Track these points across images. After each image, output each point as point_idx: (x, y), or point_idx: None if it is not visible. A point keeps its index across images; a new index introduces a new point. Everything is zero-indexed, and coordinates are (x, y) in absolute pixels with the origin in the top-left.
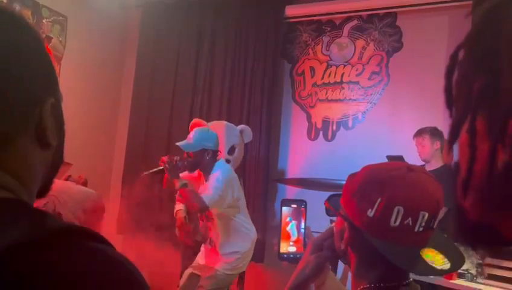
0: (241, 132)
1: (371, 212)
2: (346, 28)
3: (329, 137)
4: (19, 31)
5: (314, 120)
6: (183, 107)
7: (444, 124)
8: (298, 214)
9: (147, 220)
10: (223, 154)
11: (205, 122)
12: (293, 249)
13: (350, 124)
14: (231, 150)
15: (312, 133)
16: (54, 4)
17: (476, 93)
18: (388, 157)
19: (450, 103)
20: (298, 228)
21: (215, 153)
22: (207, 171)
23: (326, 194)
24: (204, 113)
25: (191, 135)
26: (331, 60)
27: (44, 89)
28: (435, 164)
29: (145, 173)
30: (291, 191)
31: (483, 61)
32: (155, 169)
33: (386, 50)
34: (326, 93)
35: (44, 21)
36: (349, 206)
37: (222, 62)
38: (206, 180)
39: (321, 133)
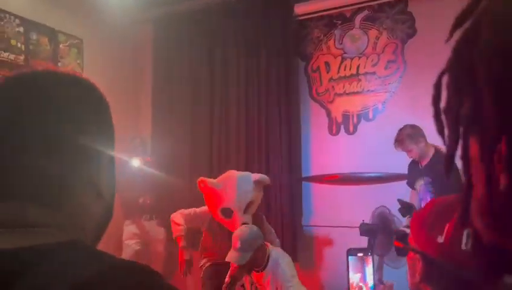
0: (256, 182)
1: (441, 239)
2: (358, 20)
3: (351, 130)
4: (90, 95)
5: (334, 115)
6: (203, 117)
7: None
8: (362, 264)
9: None
10: (237, 217)
11: (212, 181)
12: None
13: (371, 115)
14: (247, 208)
15: (333, 128)
16: (68, 28)
17: (464, 118)
18: (399, 201)
19: (441, 130)
20: (363, 279)
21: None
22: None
23: (353, 189)
24: (223, 122)
25: (237, 244)
26: (345, 53)
27: (104, 143)
28: (427, 156)
29: None
30: (317, 189)
31: (465, 85)
32: None
33: (399, 37)
34: (344, 87)
35: (61, 46)
36: (419, 239)
37: (235, 68)
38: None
39: (342, 127)
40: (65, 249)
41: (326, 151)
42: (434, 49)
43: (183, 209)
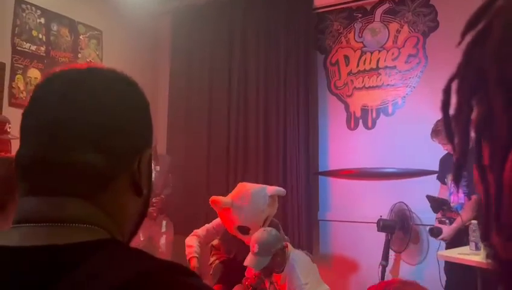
0: (272, 197)
1: None
2: (378, 13)
3: (370, 125)
4: (133, 92)
5: (353, 109)
6: (221, 109)
7: None
8: None
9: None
10: (255, 231)
11: (226, 201)
12: None
13: (390, 110)
14: (264, 223)
15: (351, 122)
16: (88, 20)
17: (475, 125)
18: (428, 198)
19: (450, 137)
20: None
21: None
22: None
23: (370, 184)
24: (241, 114)
25: (255, 248)
26: (365, 46)
27: (145, 141)
28: None
29: None
30: (335, 184)
31: (476, 90)
32: None
33: (421, 31)
34: (363, 81)
35: (81, 37)
36: None
37: (255, 60)
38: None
39: (361, 121)
40: (106, 248)
41: (344, 145)
42: (456, 43)
43: (197, 230)
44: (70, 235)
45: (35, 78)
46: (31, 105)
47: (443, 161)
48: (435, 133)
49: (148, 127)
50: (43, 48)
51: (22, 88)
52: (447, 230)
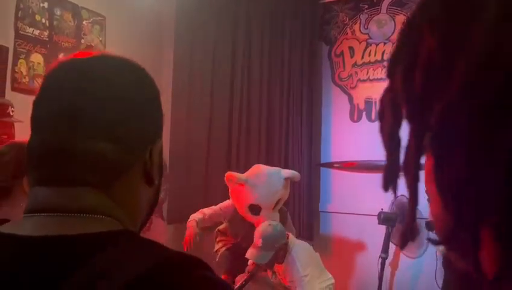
0: (286, 179)
1: None
2: (385, 4)
3: (373, 117)
4: (145, 81)
5: (356, 101)
6: (223, 98)
7: None
8: None
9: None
10: (265, 213)
11: (241, 177)
12: None
13: None
14: (276, 205)
15: (355, 114)
16: (92, 5)
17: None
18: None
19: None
20: None
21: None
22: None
23: (372, 177)
24: (244, 101)
25: (259, 242)
26: (370, 38)
27: (157, 131)
28: None
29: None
30: (337, 176)
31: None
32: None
33: None
34: (368, 73)
35: (84, 22)
36: None
37: (259, 48)
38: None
39: (364, 114)
40: (120, 240)
41: (347, 137)
42: None
43: (203, 209)
44: (83, 226)
45: (38, 63)
46: (42, 94)
47: None
48: None
49: (159, 117)
50: (46, 33)
51: (24, 73)
52: None
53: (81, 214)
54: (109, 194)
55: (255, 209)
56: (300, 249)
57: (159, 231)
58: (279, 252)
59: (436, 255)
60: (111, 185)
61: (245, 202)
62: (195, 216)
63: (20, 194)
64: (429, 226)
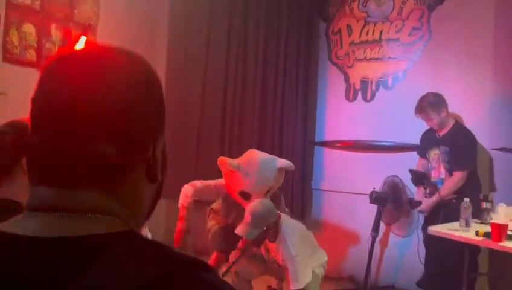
0: (280, 170)
1: None
2: None
3: (369, 98)
4: (146, 76)
5: (353, 80)
6: (218, 74)
7: (490, 80)
8: None
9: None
10: (257, 199)
11: (233, 163)
12: None
13: (390, 83)
14: (267, 193)
15: (350, 94)
16: None
17: None
18: (411, 171)
19: None
20: None
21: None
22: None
23: (365, 156)
24: (239, 80)
25: (249, 218)
26: (368, 16)
27: (159, 127)
28: (447, 126)
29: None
30: (330, 155)
31: None
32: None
33: (427, 4)
34: (365, 52)
35: None
36: None
37: (255, 24)
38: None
39: (360, 93)
40: (123, 243)
41: (341, 117)
42: (461, 19)
43: (197, 181)
44: (86, 227)
45: (29, 33)
46: (40, 91)
47: (424, 136)
48: (419, 109)
49: (161, 112)
50: (38, 2)
51: (16, 43)
52: (426, 203)
53: (84, 215)
54: (112, 193)
55: (246, 195)
56: (291, 229)
57: None
58: (269, 231)
59: (418, 235)
60: (113, 184)
61: (236, 187)
62: (187, 195)
63: (20, 173)
64: (412, 204)
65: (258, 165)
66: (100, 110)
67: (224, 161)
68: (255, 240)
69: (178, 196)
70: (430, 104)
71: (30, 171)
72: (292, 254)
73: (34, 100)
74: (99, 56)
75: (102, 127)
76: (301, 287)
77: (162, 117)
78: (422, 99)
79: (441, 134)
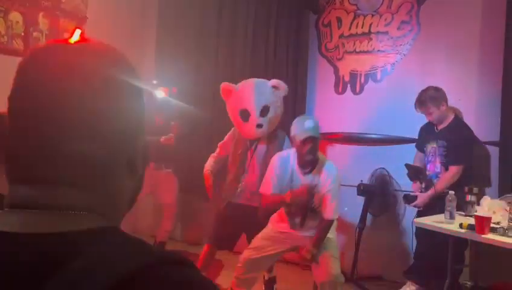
0: (274, 88)
1: None
2: None
3: (358, 90)
4: (128, 76)
5: (342, 73)
6: (207, 62)
7: (477, 74)
8: None
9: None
10: (253, 118)
11: (233, 86)
12: None
13: (379, 76)
14: (264, 111)
15: (339, 86)
16: None
17: None
18: (407, 166)
19: None
20: None
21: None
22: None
23: (354, 149)
24: (228, 71)
25: (310, 123)
26: (358, 9)
27: (139, 124)
28: (446, 120)
29: None
30: (320, 147)
31: None
32: None
33: None
34: (354, 45)
35: None
36: None
37: (245, 15)
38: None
39: (349, 86)
40: (103, 239)
41: (330, 109)
42: (450, 13)
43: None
44: (67, 223)
45: (16, 22)
46: (16, 88)
47: (423, 130)
48: (419, 103)
49: (142, 111)
50: None
51: (3, 32)
52: (421, 198)
53: (65, 211)
54: (93, 189)
55: (245, 114)
56: (332, 167)
57: (171, 181)
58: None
59: (412, 227)
60: (94, 180)
61: (236, 107)
62: (208, 165)
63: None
64: (407, 198)
65: (253, 83)
66: (80, 109)
67: (225, 84)
68: (310, 189)
69: (191, 190)
70: (430, 97)
71: (9, 168)
72: (336, 186)
73: (11, 97)
74: (79, 52)
75: (83, 124)
76: (336, 217)
77: (142, 110)
78: (423, 93)
79: (439, 128)
